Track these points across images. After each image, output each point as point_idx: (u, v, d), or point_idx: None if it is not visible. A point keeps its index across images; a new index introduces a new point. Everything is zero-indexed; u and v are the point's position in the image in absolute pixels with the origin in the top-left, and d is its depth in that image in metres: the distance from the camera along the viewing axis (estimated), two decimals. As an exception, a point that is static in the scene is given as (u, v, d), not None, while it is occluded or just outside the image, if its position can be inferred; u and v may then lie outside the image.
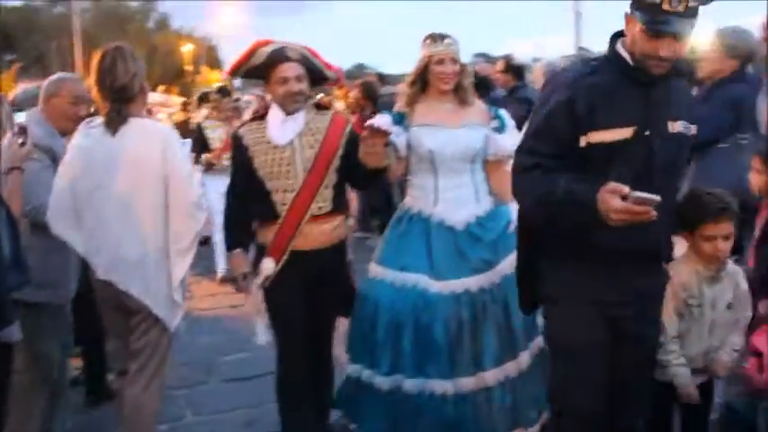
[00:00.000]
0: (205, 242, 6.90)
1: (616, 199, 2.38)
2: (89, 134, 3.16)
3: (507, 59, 6.89)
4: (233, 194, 3.70)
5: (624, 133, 2.60)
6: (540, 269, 2.85)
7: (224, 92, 7.88)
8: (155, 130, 3.23)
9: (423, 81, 3.78)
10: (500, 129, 3.83)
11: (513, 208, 3.51)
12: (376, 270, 3.77)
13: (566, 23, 31.21)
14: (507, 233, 3.64)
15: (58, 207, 3.15)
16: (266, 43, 3.54)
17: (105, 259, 3.13)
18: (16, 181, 2.90)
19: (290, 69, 3.52)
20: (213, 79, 39.90)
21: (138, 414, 3.21)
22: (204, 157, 7.34)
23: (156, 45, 48.42)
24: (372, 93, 8.37)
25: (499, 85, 6.81)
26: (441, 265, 3.62)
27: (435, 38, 3.72)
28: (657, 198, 2.35)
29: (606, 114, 2.60)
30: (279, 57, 3.51)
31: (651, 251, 2.74)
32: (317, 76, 3.68)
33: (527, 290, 2.97)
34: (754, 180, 3.29)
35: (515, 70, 6.80)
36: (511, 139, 3.71)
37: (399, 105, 3.87)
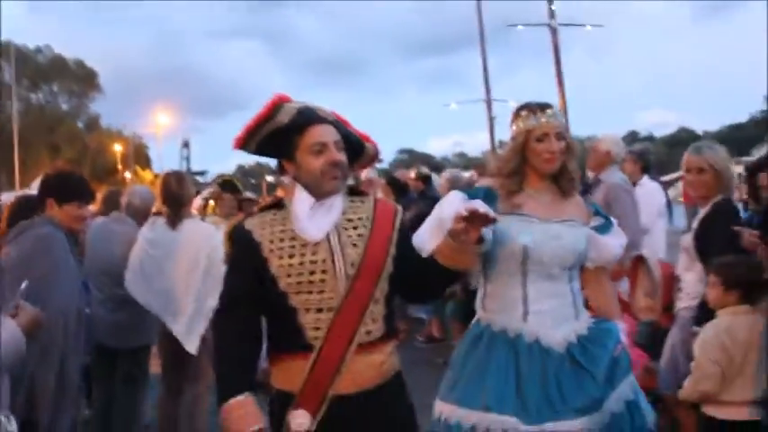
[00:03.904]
0: None
1: None
2: (154, 228, 4.77)
3: (418, 170, 8.99)
4: (232, 314, 2.59)
5: None
6: None
7: (228, 185, 7.24)
8: (202, 227, 4.92)
9: (521, 165, 2.95)
10: (604, 228, 3.02)
11: (619, 325, 3.04)
12: (448, 411, 2.82)
13: (482, 122, 33.54)
14: (617, 359, 2.88)
15: (132, 279, 4.71)
16: (289, 99, 2.62)
17: (165, 308, 4.64)
18: None
19: (328, 132, 2.59)
20: (146, 178, 41.31)
21: (196, 409, 4.76)
22: None
23: (87, 144, 49.75)
24: None
25: (411, 189, 8.74)
26: (534, 403, 2.74)
27: (533, 108, 2.94)
28: None
29: None
30: (310, 116, 2.60)
31: None
32: (353, 149, 2.73)
33: None
34: (711, 294, 3.73)
35: (424, 178, 8.85)
36: (617, 240, 3.06)
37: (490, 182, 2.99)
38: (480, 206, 2.41)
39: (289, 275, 2.52)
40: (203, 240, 4.72)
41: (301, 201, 2.61)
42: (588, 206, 3.08)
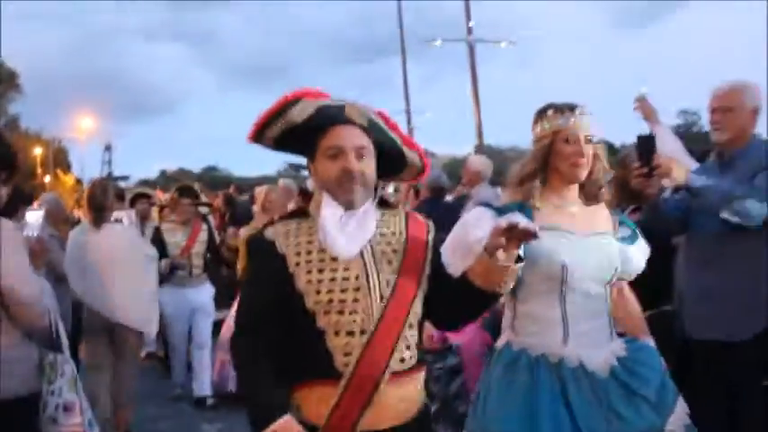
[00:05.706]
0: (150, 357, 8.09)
1: None
2: (82, 231, 5.62)
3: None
4: (254, 335, 2.31)
5: None
6: None
7: (186, 191, 7.21)
8: (120, 228, 5.85)
9: (544, 169, 2.75)
10: (630, 239, 2.84)
11: (650, 343, 2.87)
12: None
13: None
14: (665, 381, 2.74)
15: (69, 273, 5.46)
16: (315, 95, 2.34)
17: (101, 302, 5.42)
18: None
19: (349, 135, 2.31)
20: (68, 182, 41.04)
21: (125, 382, 5.60)
22: (164, 262, 6.51)
23: (5, 147, 48.77)
24: (232, 200, 10.33)
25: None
26: None
27: (561, 108, 2.72)
28: None
29: None
30: (332, 116, 2.33)
31: None
32: (391, 158, 2.44)
33: None
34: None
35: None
36: (643, 252, 2.88)
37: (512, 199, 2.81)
38: (521, 219, 2.16)
39: (318, 292, 2.26)
40: (123, 240, 5.68)
41: (330, 210, 2.33)
42: (614, 215, 2.89)
